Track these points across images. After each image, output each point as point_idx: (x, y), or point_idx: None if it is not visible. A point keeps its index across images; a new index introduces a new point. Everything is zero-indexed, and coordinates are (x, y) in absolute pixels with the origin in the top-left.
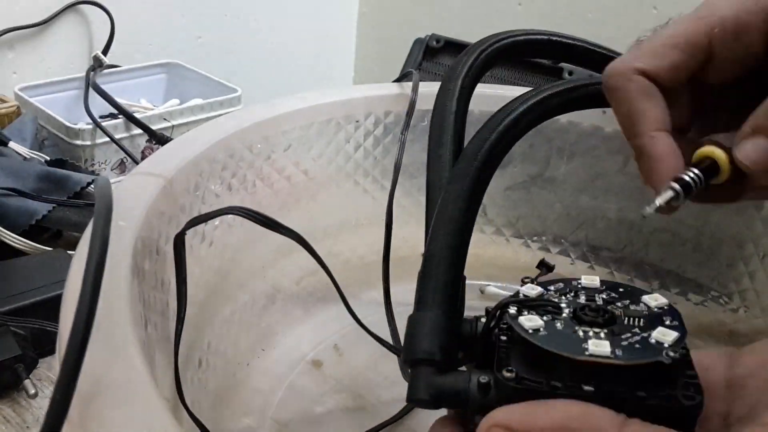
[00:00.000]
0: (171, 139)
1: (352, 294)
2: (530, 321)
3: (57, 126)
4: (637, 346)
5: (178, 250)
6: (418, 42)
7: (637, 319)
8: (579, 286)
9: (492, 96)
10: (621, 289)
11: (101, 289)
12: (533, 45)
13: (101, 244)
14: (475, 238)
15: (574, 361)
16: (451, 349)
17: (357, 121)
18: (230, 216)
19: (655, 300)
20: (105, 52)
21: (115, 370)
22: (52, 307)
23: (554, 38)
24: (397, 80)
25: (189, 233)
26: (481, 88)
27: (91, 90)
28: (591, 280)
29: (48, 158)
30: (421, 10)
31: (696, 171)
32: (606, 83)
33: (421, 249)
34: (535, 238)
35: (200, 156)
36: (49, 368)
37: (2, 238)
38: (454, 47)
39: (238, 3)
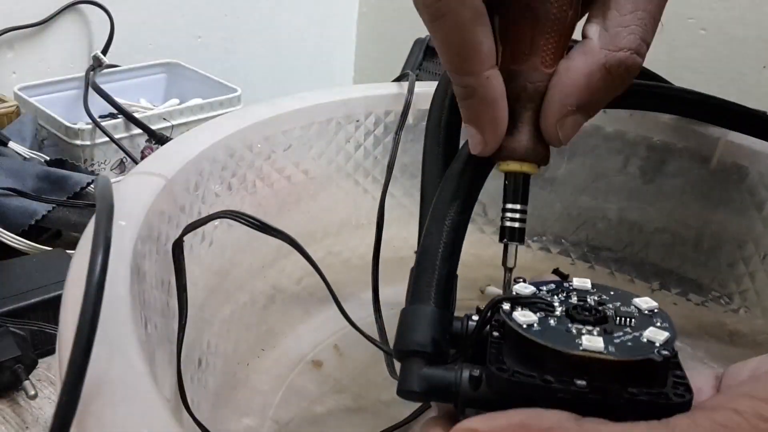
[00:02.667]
0: (171, 139)
1: (352, 294)
2: (524, 316)
3: (56, 126)
4: (630, 344)
5: (177, 257)
6: (418, 42)
7: (628, 319)
8: (570, 287)
9: None
10: (612, 292)
11: None
12: None
13: (104, 244)
14: (475, 237)
15: (568, 356)
16: (443, 343)
17: (357, 121)
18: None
19: (645, 303)
20: (105, 51)
21: (115, 370)
22: (52, 307)
23: None
24: (396, 80)
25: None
26: None
27: (90, 90)
28: (582, 282)
29: (48, 158)
30: None
31: (518, 209)
32: (431, 6)
33: None
34: (535, 238)
35: (200, 155)
36: (49, 368)
37: (1, 239)
38: None
39: (238, 3)
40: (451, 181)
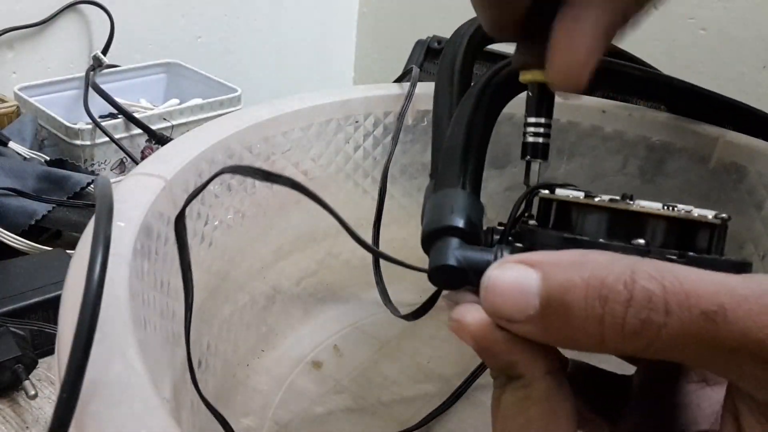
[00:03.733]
0: (171, 139)
1: (352, 294)
2: (569, 191)
3: (57, 126)
4: (684, 213)
5: (179, 232)
6: (419, 43)
7: (672, 207)
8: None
9: None
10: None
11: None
12: None
13: (104, 243)
14: None
15: (626, 213)
16: (479, 227)
17: (356, 122)
18: (230, 217)
19: (682, 206)
20: (105, 51)
21: (114, 371)
22: (52, 307)
23: None
24: (398, 80)
25: (188, 234)
26: None
27: (90, 90)
28: (609, 196)
29: (48, 158)
30: (421, 11)
31: (542, 123)
32: None
33: (421, 250)
34: None
35: (199, 156)
36: (49, 368)
37: (1, 239)
38: None
39: (238, 3)
40: (471, 97)
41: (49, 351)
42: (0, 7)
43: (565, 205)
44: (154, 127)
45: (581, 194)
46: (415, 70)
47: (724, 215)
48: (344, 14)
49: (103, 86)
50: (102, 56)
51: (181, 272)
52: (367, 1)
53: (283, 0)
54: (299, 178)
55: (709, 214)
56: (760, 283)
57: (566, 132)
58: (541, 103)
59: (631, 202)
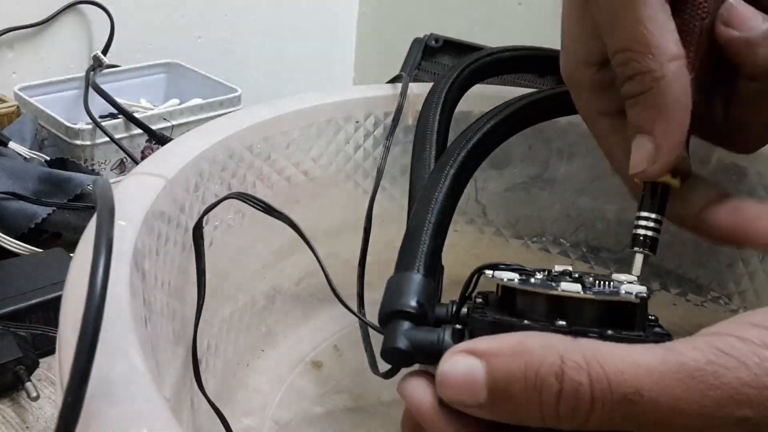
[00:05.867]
0: (171, 139)
1: (352, 294)
2: (506, 274)
3: (57, 126)
4: (607, 291)
5: (197, 240)
6: (417, 41)
7: (607, 282)
8: (553, 270)
9: (493, 97)
10: (592, 276)
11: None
12: (517, 61)
13: (106, 247)
14: (475, 238)
15: (547, 296)
16: (428, 308)
17: (357, 122)
18: (230, 216)
19: (625, 276)
20: (105, 51)
21: (116, 370)
22: (53, 308)
23: (538, 54)
24: (390, 82)
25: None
26: (481, 89)
27: (90, 90)
28: (564, 267)
29: (48, 158)
30: (421, 10)
31: (653, 218)
32: None
33: None
34: (534, 239)
35: (200, 156)
36: (49, 368)
37: (1, 243)
38: (453, 47)
39: (238, 3)
40: (437, 172)
41: (50, 351)
42: (0, 7)
43: (502, 287)
44: (154, 127)
45: (516, 276)
46: (405, 78)
47: (644, 293)
48: (344, 14)
49: (103, 86)
50: (102, 56)
51: (196, 277)
52: (367, 1)
53: (283, 0)
54: (300, 178)
55: (636, 288)
56: (678, 356)
57: (566, 132)
58: (658, 201)
59: (557, 285)
